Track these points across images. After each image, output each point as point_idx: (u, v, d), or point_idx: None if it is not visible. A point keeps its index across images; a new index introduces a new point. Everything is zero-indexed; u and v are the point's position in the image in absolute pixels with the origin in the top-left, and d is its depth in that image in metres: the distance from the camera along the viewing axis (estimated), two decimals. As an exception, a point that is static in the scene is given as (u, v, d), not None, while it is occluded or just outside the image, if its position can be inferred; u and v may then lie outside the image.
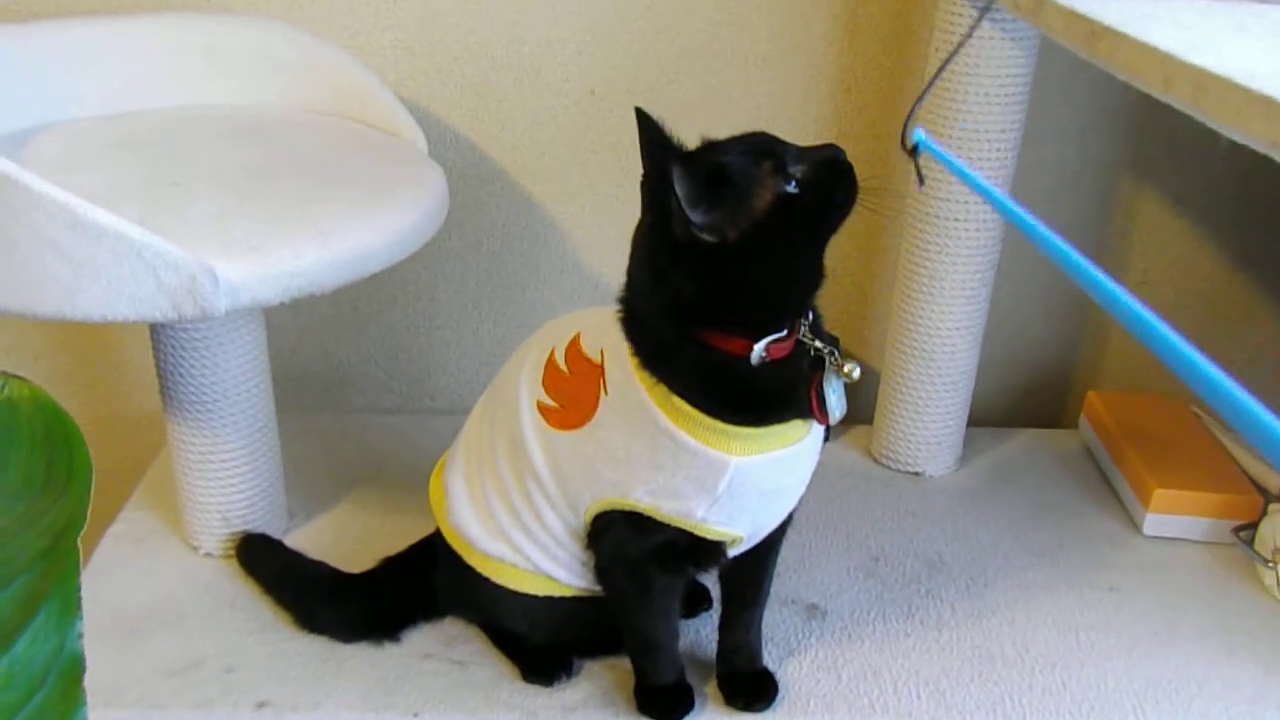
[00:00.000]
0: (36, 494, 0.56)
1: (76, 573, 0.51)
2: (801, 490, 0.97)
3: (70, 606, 0.51)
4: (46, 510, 0.55)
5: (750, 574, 1.04)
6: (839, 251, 1.54)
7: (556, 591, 1.03)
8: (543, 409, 0.97)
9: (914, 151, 0.70)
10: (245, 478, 1.20)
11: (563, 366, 0.97)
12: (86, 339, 1.57)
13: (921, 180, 0.72)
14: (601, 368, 0.93)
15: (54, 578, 0.51)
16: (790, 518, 1.01)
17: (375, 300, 1.53)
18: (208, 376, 1.13)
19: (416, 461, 1.41)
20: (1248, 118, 0.58)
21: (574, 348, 0.97)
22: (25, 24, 1.22)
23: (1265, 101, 0.57)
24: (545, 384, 0.97)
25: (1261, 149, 0.57)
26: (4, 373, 0.62)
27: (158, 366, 1.15)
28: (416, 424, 1.51)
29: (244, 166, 1.13)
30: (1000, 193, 0.60)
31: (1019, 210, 0.51)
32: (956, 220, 1.28)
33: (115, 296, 0.91)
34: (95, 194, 0.92)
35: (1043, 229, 0.47)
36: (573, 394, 0.95)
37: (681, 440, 0.88)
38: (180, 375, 1.13)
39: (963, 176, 0.58)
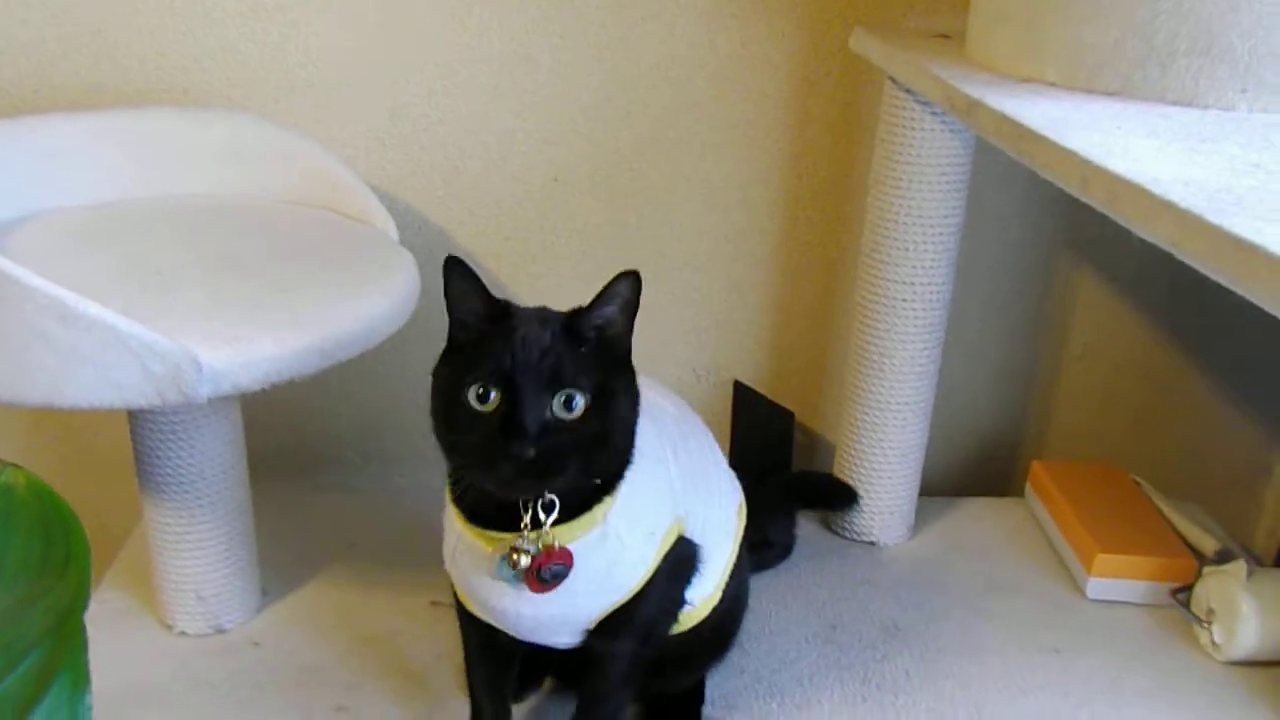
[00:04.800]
0: (35, 575, 0.60)
1: (84, 649, 0.55)
2: (516, 628, 0.99)
3: (80, 681, 0.55)
4: (48, 590, 0.59)
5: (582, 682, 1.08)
6: (795, 329, 1.61)
7: None
8: None
9: None
10: (220, 557, 1.23)
11: None
12: (57, 421, 1.60)
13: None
14: None
15: (63, 654, 0.55)
16: (603, 668, 1.03)
17: (346, 380, 1.57)
18: (185, 460, 1.17)
19: (386, 538, 1.45)
20: (1152, 221, 0.64)
21: None
22: (9, 120, 1.27)
23: (1166, 206, 0.63)
24: None
25: (1165, 248, 0.63)
26: (0, 460, 0.66)
27: (135, 450, 1.18)
28: (386, 501, 1.55)
29: (222, 255, 1.18)
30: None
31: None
32: (904, 301, 1.35)
33: (102, 385, 0.95)
34: (79, 284, 0.96)
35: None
36: None
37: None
38: (158, 459, 1.17)
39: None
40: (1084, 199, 0.74)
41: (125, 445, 1.21)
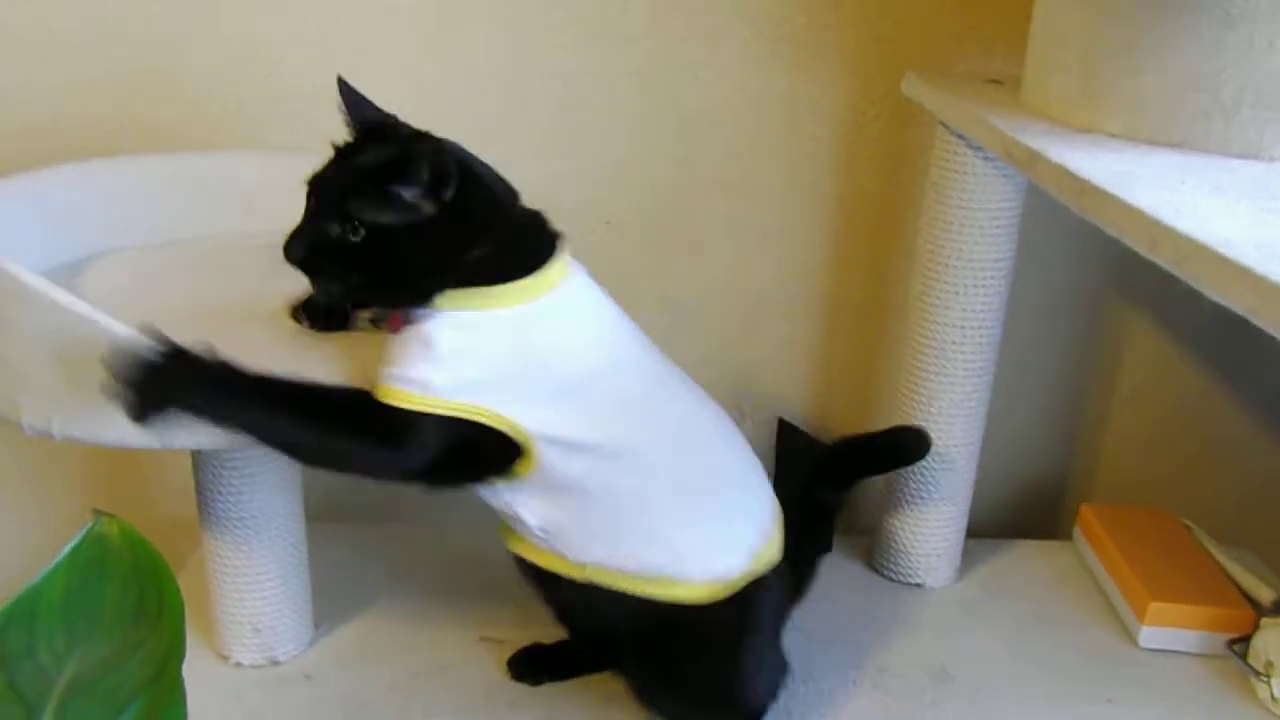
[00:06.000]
0: (130, 625, 0.62)
1: (182, 700, 0.56)
2: None
3: (179, 733, 0.56)
4: (143, 641, 0.61)
5: None
6: (842, 367, 1.61)
7: None
8: None
9: None
10: (277, 590, 1.25)
11: None
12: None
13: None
14: None
15: (163, 706, 0.56)
16: None
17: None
18: (246, 494, 1.19)
19: (436, 572, 1.46)
20: (1225, 285, 0.65)
21: None
22: (81, 162, 1.29)
23: (1241, 271, 0.63)
24: None
25: (1240, 313, 0.64)
26: (96, 509, 0.67)
27: (197, 484, 1.20)
28: (436, 535, 1.56)
29: (287, 292, 1.19)
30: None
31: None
32: (953, 344, 1.35)
33: (173, 427, 0.96)
34: (154, 321, 0.97)
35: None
36: None
37: None
38: (219, 493, 1.19)
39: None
40: (1151, 258, 0.75)
41: (178, 471, 1.21)
